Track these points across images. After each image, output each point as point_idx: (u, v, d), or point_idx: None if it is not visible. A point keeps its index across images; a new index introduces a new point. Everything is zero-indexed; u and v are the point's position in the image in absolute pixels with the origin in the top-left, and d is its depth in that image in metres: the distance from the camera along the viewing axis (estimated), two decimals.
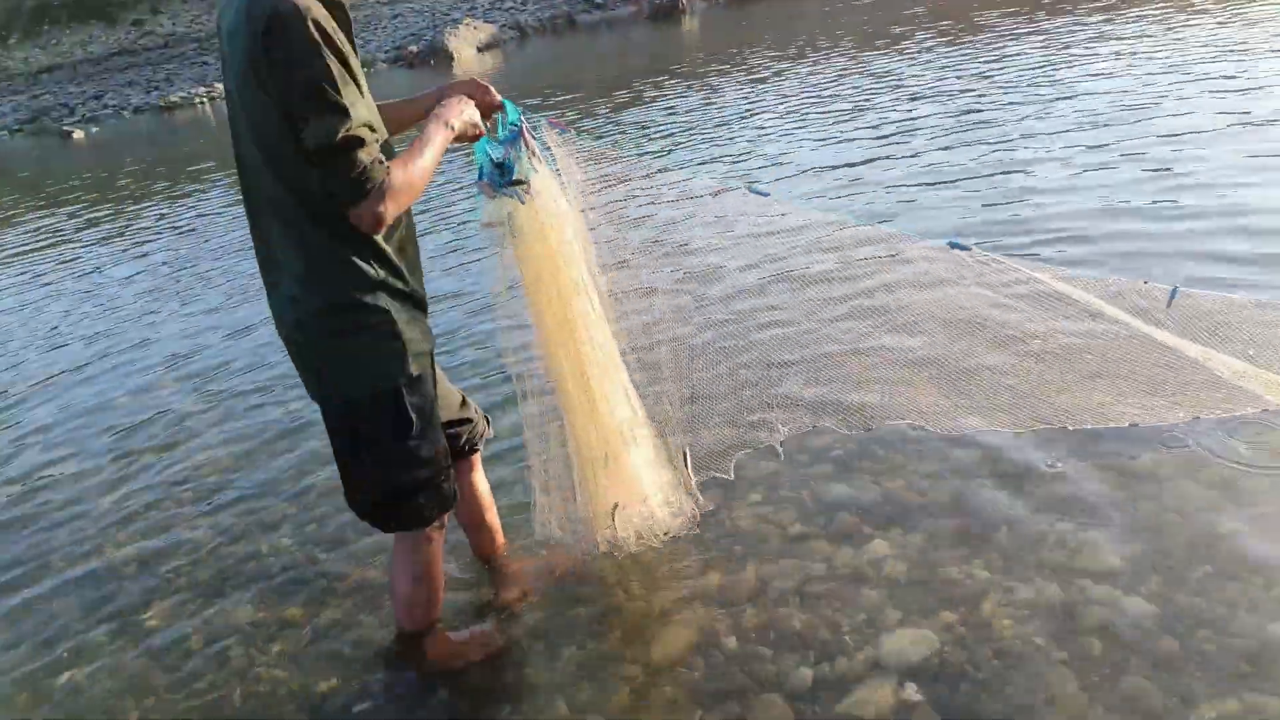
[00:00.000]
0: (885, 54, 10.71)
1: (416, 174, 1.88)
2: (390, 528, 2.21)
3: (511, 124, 2.21)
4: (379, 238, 1.89)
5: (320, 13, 1.74)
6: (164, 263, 7.55)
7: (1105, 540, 2.33)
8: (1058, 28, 10.06)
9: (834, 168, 6.33)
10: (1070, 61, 8.27)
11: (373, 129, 1.80)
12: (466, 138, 2.12)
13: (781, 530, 2.61)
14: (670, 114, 9.76)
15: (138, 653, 2.59)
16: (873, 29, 13.01)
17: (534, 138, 2.25)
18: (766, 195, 2.73)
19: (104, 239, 9.05)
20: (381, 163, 1.78)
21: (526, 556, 2.68)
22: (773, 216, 4.97)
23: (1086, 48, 8.72)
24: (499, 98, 2.19)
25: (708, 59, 13.80)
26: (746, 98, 9.78)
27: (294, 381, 4.04)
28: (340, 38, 1.78)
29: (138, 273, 7.42)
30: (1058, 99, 6.95)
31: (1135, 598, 2.13)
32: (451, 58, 20.82)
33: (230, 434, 3.90)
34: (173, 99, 23.11)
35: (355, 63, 1.82)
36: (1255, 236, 3.90)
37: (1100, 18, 10.16)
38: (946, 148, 6.21)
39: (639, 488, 2.59)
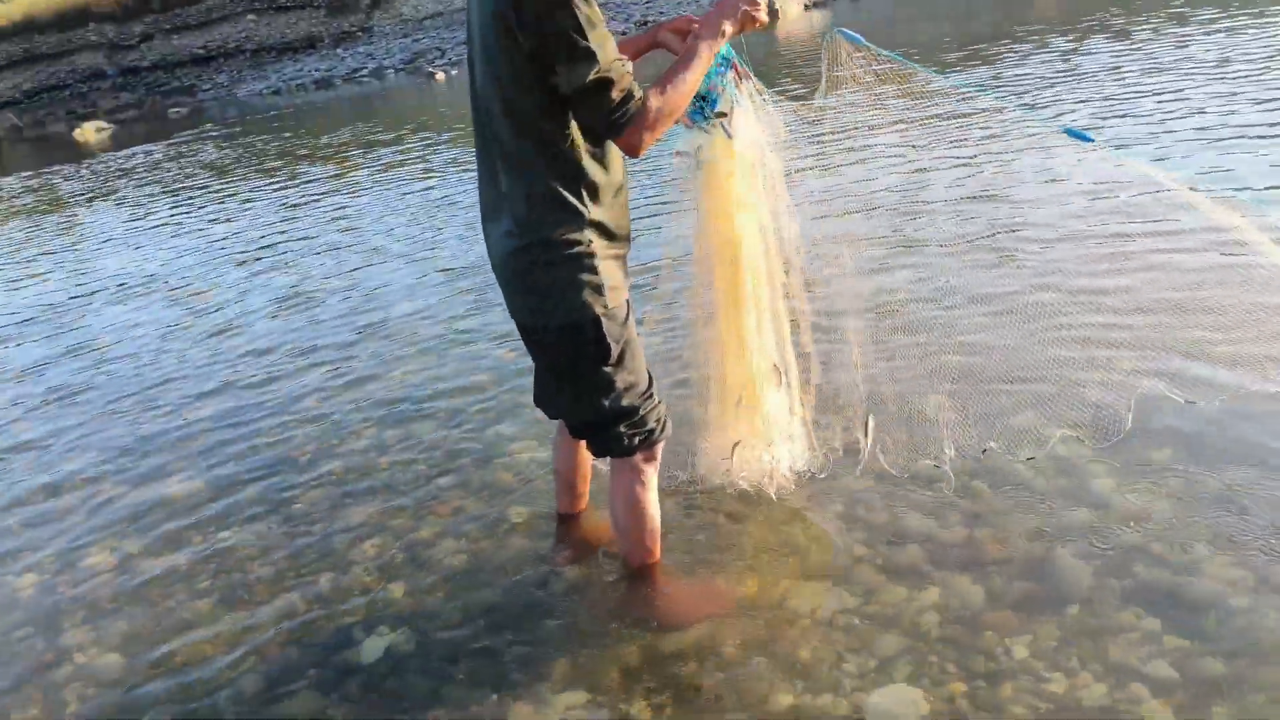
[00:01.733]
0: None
1: (675, 95, 2.03)
2: (599, 454, 2.36)
3: (723, 58, 2.28)
4: (600, 175, 2.05)
5: None
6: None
7: (1192, 648, 1.96)
8: None
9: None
10: None
11: (622, 60, 1.94)
12: (747, 30, 2.16)
13: (845, 550, 2.48)
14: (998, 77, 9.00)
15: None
16: None
17: (746, 74, 2.33)
18: (1090, 141, 2.33)
19: (438, 165, 10.30)
20: (633, 95, 1.94)
21: (600, 520, 2.79)
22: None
23: None
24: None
25: (1057, 23, 12.41)
26: (1097, 62, 8.68)
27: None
28: None
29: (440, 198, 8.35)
30: None
31: None
32: (776, 15, 20.67)
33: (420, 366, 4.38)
34: None
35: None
36: None
37: None
38: None
39: (766, 434, 2.65)
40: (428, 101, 18.22)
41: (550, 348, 2.18)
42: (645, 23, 23.89)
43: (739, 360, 2.54)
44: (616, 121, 1.93)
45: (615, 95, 1.90)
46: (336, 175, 10.66)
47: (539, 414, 3.42)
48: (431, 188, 8.77)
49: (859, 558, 2.44)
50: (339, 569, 2.76)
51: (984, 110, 5.92)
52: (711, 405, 2.66)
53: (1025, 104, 7.62)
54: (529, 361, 2.36)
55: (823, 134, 2.77)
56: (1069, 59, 9.34)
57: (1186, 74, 7.57)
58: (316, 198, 9.29)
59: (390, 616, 2.52)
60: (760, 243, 2.47)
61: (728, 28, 2.12)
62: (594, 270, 2.06)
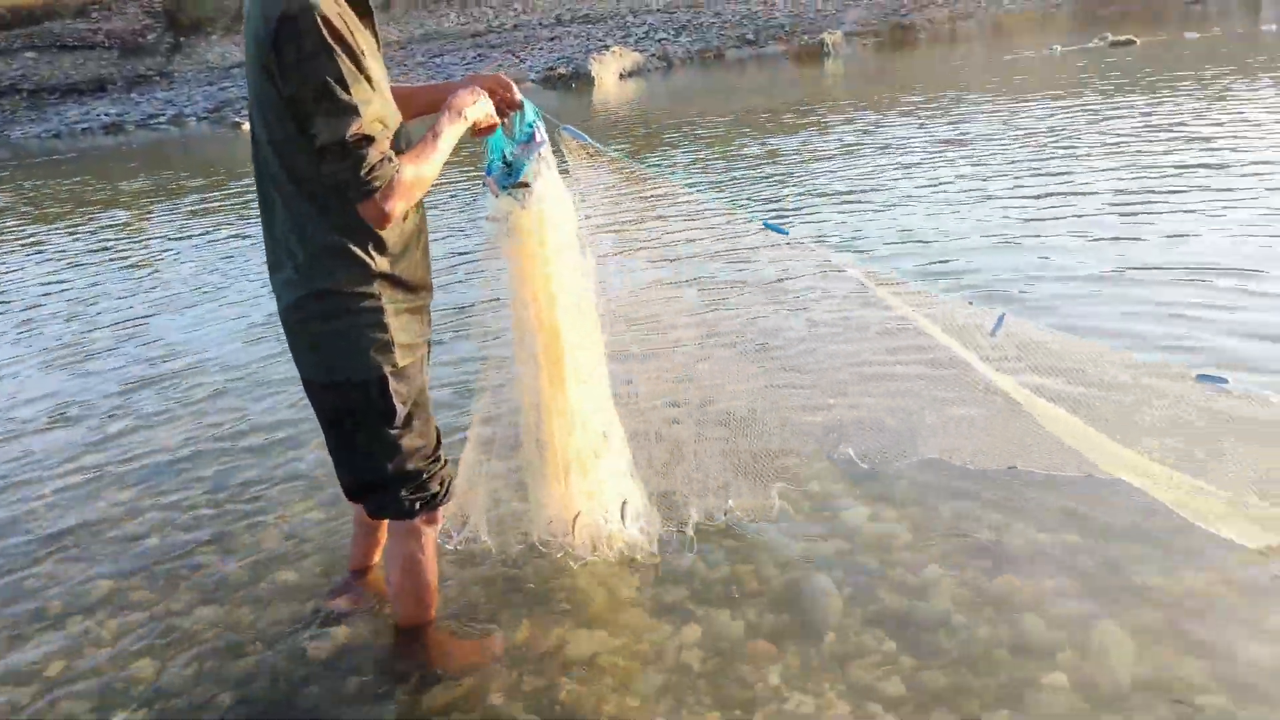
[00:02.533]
0: (1029, 107, 10.08)
1: (427, 168, 1.94)
2: (375, 515, 2.25)
3: (528, 125, 2.25)
4: (389, 230, 1.94)
5: (332, 9, 1.76)
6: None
7: (920, 664, 2.12)
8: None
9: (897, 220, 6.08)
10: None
11: (384, 124, 1.85)
12: (480, 129, 2.15)
13: (611, 593, 2.52)
14: (763, 151, 9.65)
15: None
16: (1033, 81, 12.32)
17: (546, 142, 2.29)
18: (785, 234, 2.51)
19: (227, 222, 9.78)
20: (390, 160, 1.83)
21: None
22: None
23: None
24: (519, 96, 2.24)
25: (836, 102, 13.52)
26: (839, 143, 9.53)
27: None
28: (354, 30, 1.80)
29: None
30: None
31: None
32: (593, 82, 21.36)
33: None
34: None
35: (370, 57, 1.84)
36: None
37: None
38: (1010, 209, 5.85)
39: (602, 500, 2.60)
40: (232, 151, 17.36)
41: (332, 405, 2.07)
42: None
43: (566, 431, 2.50)
44: (368, 184, 1.82)
45: (373, 156, 1.80)
46: (128, 223, 10.01)
47: (317, 471, 3.32)
48: (232, 237, 8.38)
49: (628, 600, 2.48)
50: (73, 650, 2.50)
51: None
52: (544, 475, 2.57)
53: (776, 181, 8.16)
54: (312, 416, 2.23)
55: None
56: (846, 137, 10.20)
57: (947, 150, 8.44)
58: (105, 245, 8.69)
59: (131, 699, 2.31)
60: (575, 309, 2.43)
61: (469, 114, 2.08)
62: (383, 326, 1.97)
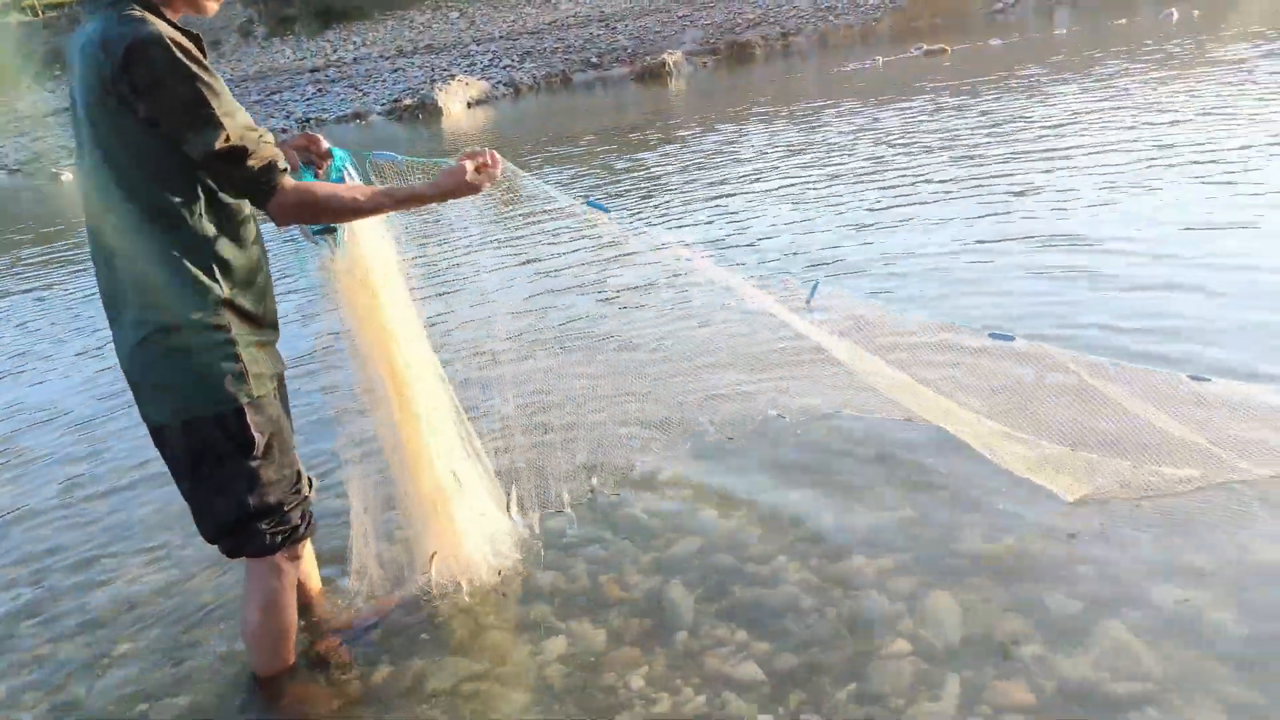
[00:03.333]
0: (863, 111, 10.63)
1: (347, 203, 2.02)
2: (234, 553, 2.14)
3: (336, 169, 2.25)
4: (232, 252, 1.94)
5: (179, 37, 1.80)
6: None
7: (771, 650, 2.20)
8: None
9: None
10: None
11: (257, 132, 1.87)
12: (460, 194, 2.15)
13: (472, 619, 2.49)
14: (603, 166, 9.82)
15: None
16: (862, 89, 12.99)
17: (358, 177, 2.30)
18: (607, 211, 2.54)
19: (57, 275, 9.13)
20: (274, 167, 1.88)
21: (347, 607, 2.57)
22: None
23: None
24: (327, 145, 2.29)
25: (686, 117, 13.89)
26: (676, 158, 9.81)
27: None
28: (203, 60, 1.81)
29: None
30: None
31: (767, 716, 1.99)
32: (440, 112, 21.12)
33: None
34: None
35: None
36: None
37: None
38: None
39: (461, 537, 2.55)
40: (50, 204, 16.23)
41: (188, 447, 1.99)
42: (307, 120, 23.28)
43: (418, 470, 2.46)
44: (261, 189, 1.90)
45: (253, 164, 1.86)
46: None
47: (155, 530, 3.14)
48: (61, 293, 7.83)
49: (489, 624, 2.46)
50: None
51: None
52: (409, 520, 2.55)
53: (646, 191, 8.43)
54: (150, 469, 2.11)
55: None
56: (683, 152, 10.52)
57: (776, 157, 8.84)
58: None
59: None
60: (408, 342, 2.41)
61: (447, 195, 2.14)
62: (234, 357, 1.95)
